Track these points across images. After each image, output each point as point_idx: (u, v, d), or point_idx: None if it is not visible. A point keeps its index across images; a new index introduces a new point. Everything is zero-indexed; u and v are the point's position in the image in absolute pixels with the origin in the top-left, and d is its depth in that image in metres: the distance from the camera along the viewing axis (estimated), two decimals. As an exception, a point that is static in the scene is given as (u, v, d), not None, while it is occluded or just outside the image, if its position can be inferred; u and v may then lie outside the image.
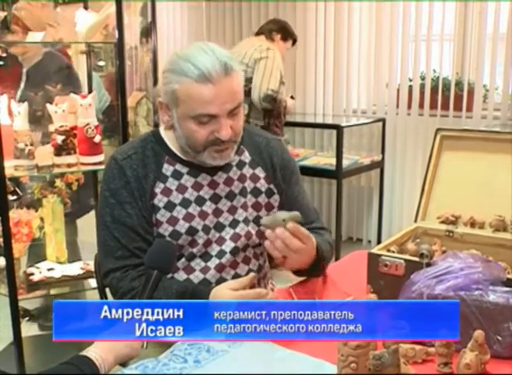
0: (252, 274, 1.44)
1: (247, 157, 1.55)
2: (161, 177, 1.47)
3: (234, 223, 1.50)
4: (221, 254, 1.49)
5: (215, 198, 1.50)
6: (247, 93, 3.43)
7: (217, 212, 1.48)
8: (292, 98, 3.86)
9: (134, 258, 1.44)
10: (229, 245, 1.49)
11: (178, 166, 1.49)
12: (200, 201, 1.48)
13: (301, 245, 1.38)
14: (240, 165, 1.54)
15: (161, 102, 1.44)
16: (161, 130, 1.54)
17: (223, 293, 1.35)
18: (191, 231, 1.47)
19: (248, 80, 3.44)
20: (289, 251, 1.36)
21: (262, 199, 1.55)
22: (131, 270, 1.44)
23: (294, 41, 3.81)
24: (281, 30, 3.69)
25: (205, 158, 1.45)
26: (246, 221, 1.51)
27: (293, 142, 4.58)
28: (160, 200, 1.46)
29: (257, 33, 3.72)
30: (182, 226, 1.46)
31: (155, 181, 1.47)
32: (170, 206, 1.46)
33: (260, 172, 1.56)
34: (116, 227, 1.45)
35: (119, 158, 1.48)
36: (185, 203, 1.47)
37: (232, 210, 1.50)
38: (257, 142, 1.58)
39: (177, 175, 1.48)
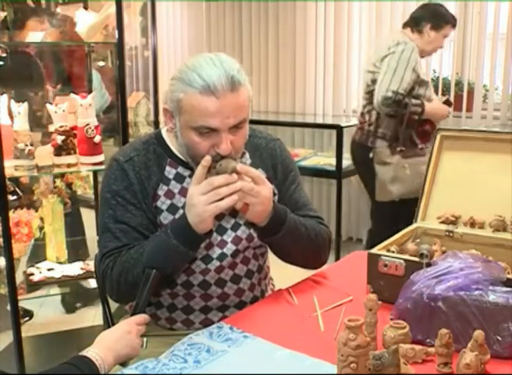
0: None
1: (247, 159, 1.54)
2: (164, 180, 1.47)
3: (236, 226, 1.49)
4: (222, 256, 1.47)
5: None
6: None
7: (218, 215, 1.46)
8: (447, 102, 3.18)
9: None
10: (230, 248, 1.48)
11: (180, 169, 1.48)
12: None
13: (256, 186, 1.37)
14: None
15: (166, 109, 1.42)
16: (164, 132, 1.53)
17: (193, 199, 1.34)
18: None
19: (376, 82, 3.02)
20: (246, 194, 1.36)
21: None
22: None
23: (453, 25, 3.14)
24: (432, 18, 3.07)
25: None
26: (247, 224, 1.50)
27: (293, 142, 4.56)
28: (163, 202, 1.46)
29: (404, 25, 3.18)
30: None
31: (158, 183, 1.46)
32: (173, 209, 1.46)
33: (261, 173, 1.55)
34: (118, 227, 1.44)
35: (121, 159, 1.48)
36: None
37: (234, 213, 1.48)
38: (256, 144, 1.57)
39: (179, 178, 1.48)
